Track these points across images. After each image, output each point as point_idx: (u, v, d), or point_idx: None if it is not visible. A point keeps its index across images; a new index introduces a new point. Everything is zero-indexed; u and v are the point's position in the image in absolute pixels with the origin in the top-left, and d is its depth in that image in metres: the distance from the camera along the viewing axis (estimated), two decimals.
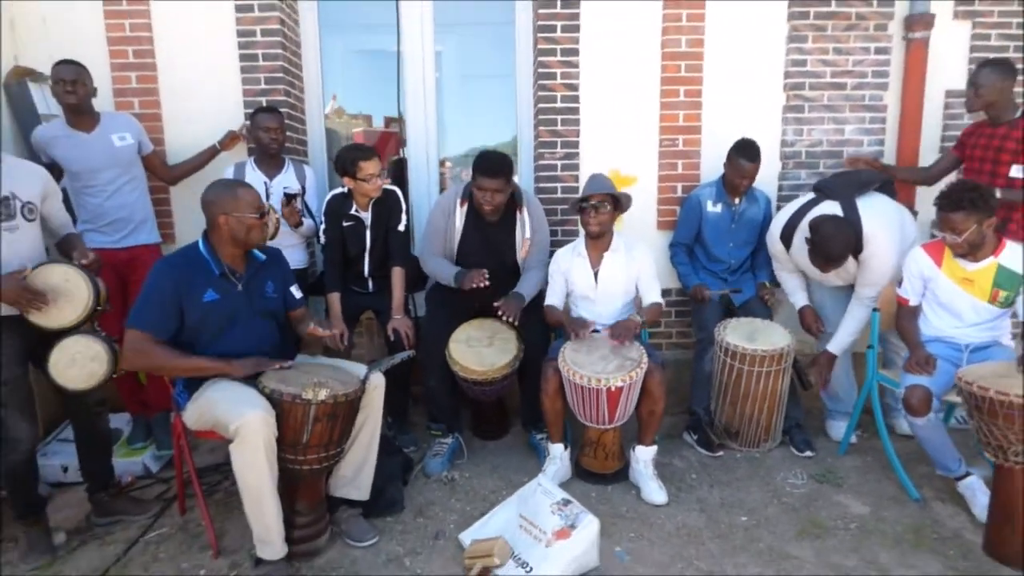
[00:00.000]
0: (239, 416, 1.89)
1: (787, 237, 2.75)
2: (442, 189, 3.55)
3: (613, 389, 2.38)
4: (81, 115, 2.63)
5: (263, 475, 1.92)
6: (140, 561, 2.16)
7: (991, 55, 3.18)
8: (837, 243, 2.49)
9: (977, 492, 2.28)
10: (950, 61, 3.12)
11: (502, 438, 3.05)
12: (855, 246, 2.56)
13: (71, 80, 2.55)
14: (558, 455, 2.59)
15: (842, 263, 2.58)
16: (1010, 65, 2.69)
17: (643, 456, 2.52)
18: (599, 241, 2.68)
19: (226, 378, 2.09)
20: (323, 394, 1.97)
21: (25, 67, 2.94)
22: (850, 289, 2.81)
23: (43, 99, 2.91)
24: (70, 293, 2.10)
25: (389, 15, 3.35)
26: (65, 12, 2.97)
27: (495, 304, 2.62)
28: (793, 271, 2.92)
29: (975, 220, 2.21)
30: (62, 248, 2.32)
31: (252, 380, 2.08)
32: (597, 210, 2.57)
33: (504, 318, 2.58)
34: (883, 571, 2.01)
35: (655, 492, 2.43)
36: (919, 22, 3.09)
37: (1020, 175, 2.61)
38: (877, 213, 2.62)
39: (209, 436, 2.17)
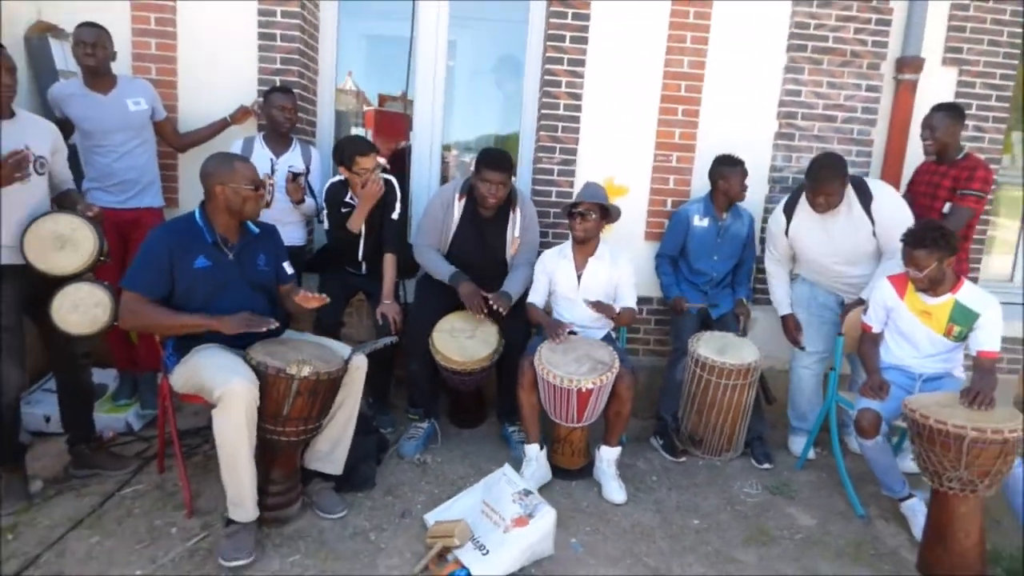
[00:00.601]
0: (224, 383, 1.97)
1: (790, 208, 2.90)
2: (443, 177, 3.64)
3: (584, 390, 2.48)
4: (99, 77, 2.70)
5: (241, 441, 2.00)
6: (115, 515, 2.24)
7: (975, 102, 3.33)
8: (827, 165, 2.67)
9: (918, 513, 2.41)
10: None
11: (476, 427, 3.15)
12: (857, 187, 2.73)
13: (91, 43, 2.62)
14: (534, 456, 2.63)
15: (833, 191, 2.66)
16: (960, 109, 2.89)
17: (607, 456, 2.63)
18: (585, 246, 2.79)
19: (215, 344, 2.18)
20: (306, 370, 2.06)
21: (47, 22, 3.00)
22: (834, 305, 3.00)
23: (62, 55, 2.98)
24: (76, 242, 2.19)
25: (408, 4, 3.42)
26: None
27: (486, 295, 2.74)
28: (782, 263, 3.03)
29: (936, 258, 2.33)
30: (60, 203, 2.38)
31: (240, 350, 2.17)
32: (584, 217, 2.69)
33: (495, 308, 2.71)
34: None
35: (615, 491, 2.54)
36: (909, 65, 3.23)
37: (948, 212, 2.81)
38: (882, 183, 2.85)
39: (194, 400, 2.25)
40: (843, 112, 3.31)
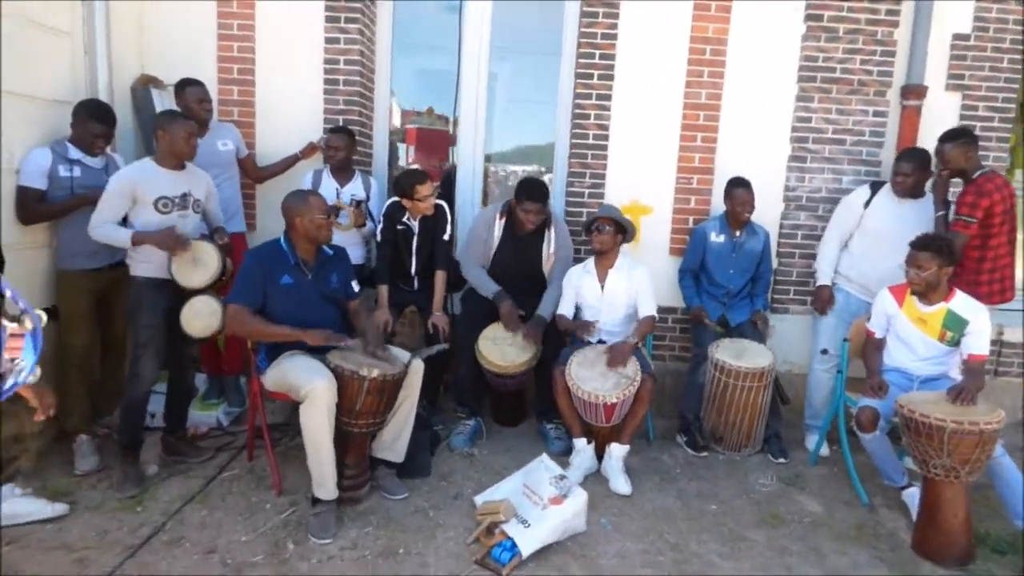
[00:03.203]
0: (309, 383, 2.40)
1: (877, 187, 3.26)
2: (486, 194, 4.02)
3: (609, 404, 2.82)
4: (199, 125, 3.18)
5: (324, 430, 2.42)
6: (218, 492, 2.68)
7: (979, 123, 3.57)
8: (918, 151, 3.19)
9: (916, 500, 2.65)
10: (941, 126, 3.44)
11: (517, 426, 3.51)
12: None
13: (208, 99, 3.18)
14: (581, 448, 2.94)
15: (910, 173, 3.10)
16: (969, 133, 2.99)
17: (616, 453, 2.90)
18: (605, 260, 3.14)
19: (300, 351, 2.61)
20: (375, 372, 2.47)
21: (149, 75, 3.51)
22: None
23: (161, 103, 3.47)
24: (206, 263, 2.70)
25: (454, 39, 3.86)
26: (185, 31, 3.53)
27: (524, 332, 3.15)
28: (840, 240, 3.33)
29: (937, 264, 2.60)
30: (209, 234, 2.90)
31: (321, 356, 2.59)
32: (600, 231, 3.05)
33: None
34: (820, 556, 2.43)
35: (621, 484, 2.81)
36: (913, 92, 3.49)
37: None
38: None
39: (280, 397, 2.69)
40: (852, 136, 3.59)
